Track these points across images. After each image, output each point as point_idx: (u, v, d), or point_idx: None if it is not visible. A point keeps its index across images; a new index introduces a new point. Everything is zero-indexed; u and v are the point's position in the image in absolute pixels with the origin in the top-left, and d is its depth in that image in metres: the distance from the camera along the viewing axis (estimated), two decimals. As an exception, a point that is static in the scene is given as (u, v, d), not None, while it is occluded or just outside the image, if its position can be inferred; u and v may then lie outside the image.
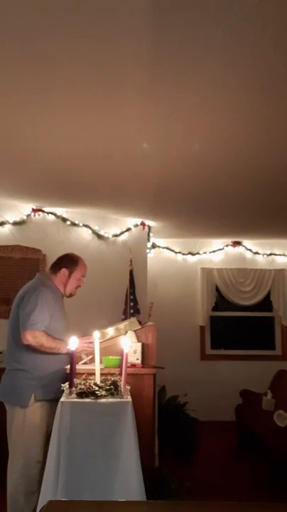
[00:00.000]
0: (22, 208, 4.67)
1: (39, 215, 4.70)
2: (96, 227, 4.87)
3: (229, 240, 6.27)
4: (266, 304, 6.25)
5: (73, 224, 4.79)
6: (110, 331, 2.94)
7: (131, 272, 4.78)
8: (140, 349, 2.69)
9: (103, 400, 2.18)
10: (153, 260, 5.81)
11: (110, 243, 4.93)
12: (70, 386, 2.24)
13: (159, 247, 6.15)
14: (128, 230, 5.03)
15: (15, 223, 4.63)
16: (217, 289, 6.16)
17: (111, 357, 2.61)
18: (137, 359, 2.66)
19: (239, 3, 1.65)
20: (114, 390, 2.23)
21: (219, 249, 6.27)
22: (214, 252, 6.27)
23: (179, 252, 6.22)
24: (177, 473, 2.92)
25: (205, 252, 6.25)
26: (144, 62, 2.04)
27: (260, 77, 2.14)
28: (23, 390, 2.55)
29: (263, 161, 3.22)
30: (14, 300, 2.75)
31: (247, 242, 6.31)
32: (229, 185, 3.83)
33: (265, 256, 6.31)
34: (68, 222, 4.78)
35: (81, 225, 4.82)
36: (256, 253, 6.30)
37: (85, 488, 2.05)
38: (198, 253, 6.24)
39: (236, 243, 6.27)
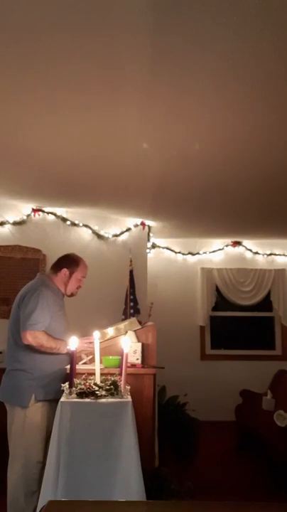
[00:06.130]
0: (22, 208, 4.68)
1: (39, 215, 4.71)
2: (96, 227, 4.87)
3: (229, 240, 6.27)
4: (266, 303, 6.25)
5: (73, 224, 4.80)
6: (110, 331, 2.94)
7: (131, 272, 4.77)
8: (140, 349, 2.69)
9: (103, 400, 2.18)
10: (153, 260, 5.81)
11: (110, 243, 4.93)
12: (70, 386, 2.24)
13: (159, 247, 6.16)
14: (128, 230, 5.03)
15: (15, 223, 4.63)
16: (217, 289, 6.16)
17: (111, 357, 2.61)
18: (137, 359, 2.66)
19: (240, 3, 1.65)
20: (114, 390, 2.23)
21: (219, 249, 6.27)
22: (214, 252, 6.27)
23: (179, 252, 6.23)
24: (177, 473, 2.92)
25: (205, 252, 6.25)
26: (144, 62, 2.04)
27: (260, 77, 2.14)
28: (24, 390, 2.55)
29: (263, 161, 3.22)
30: (15, 300, 2.75)
31: (247, 242, 6.31)
32: (229, 185, 3.82)
33: (265, 256, 6.31)
34: (68, 222, 4.78)
35: (81, 225, 4.82)
36: (256, 253, 6.30)
37: (85, 488, 2.05)
38: (198, 253, 6.24)
39: (236, 243, 6.27)
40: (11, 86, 2.28)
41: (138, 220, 5.07)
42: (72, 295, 2.91)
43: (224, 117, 2.56)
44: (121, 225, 5.02)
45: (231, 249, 6.29)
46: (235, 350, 6.19)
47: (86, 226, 4.84)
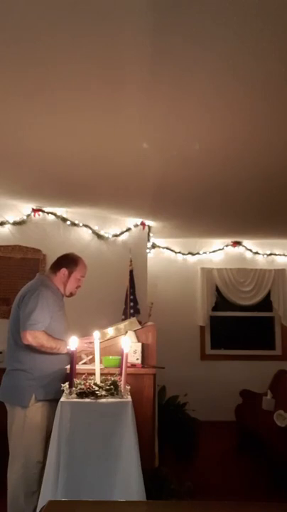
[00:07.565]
0: (22, 208, 4.68)
1: (39, 215, 4.71)
2: (96, 227, 4.88)
3: (229, 240, 6.27)
4: (266, 303, 6.25)
5: (73, 224, 4.80)
6: (110, 331, 2.94)
7: (131, 272, 4.78)
8: (140, 349, 2.69)
9: (103, 400, 2.18)
10: (153, 260, 5.81)
11: (110, 243, 4.93)
12: (70, 386, 2.24)
13: (159, 247, 6.16)
14: (128, 230, 5.03)
15: (15, 223, 4.64)
16: (217, 289, 6.16)
17: (111, 357, 2.61)
18: (137, 359, 2.66)
19: (240, 3, 1.65)
20: (114, 390, 2.23)
21: (219, 249, 6.27)
22: (214, 252, 6.27)
23: (179, 252, 6.23)
24: (177, 473, 2.92)
25: (205, 252, 6.25)
26: (144, 62, 2.04)
27: (260, 77, 2.14)
28: (24, 390, 2.55)
29: (263, 161, 3.21)
30: (14, 300, 2.75)
31: (247, 242, 6.31)
32: (229, 185, 3.82)
33: (265, 256, 6.31)
34: (68, 222, 4.78)
35: (81, 225, 4.82)
36: (256, 253, 6.30)
37: (85, 488, 2.05)
38: (198, 253, 6.24)
39: (236, 243, 6.27)
40: (11, 86, 2.28)
41: (138, 220, 5.07)
42: (71, 295, 2.91)
43: (224, 117, 2.56)
44: (121, 225, 5.02)
45: (231, 249, 6.29)
46: (235, 350, 6.19)
47: (86, 226, 4.84)
